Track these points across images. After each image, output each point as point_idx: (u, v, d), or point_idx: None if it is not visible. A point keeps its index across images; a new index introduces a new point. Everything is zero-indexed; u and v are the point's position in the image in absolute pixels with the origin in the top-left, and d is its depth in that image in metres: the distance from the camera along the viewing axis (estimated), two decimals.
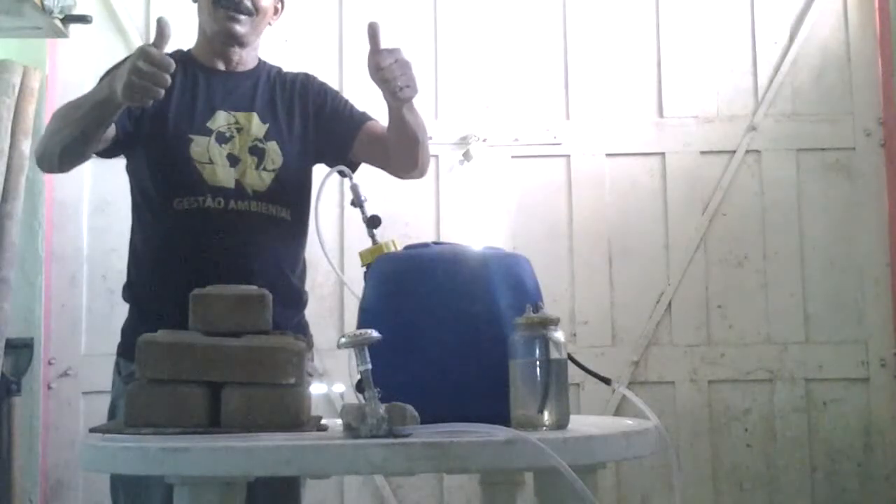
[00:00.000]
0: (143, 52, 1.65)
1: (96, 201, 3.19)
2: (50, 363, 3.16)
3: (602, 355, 3.21)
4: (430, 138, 3.27)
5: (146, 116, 1.92)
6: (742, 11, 3.40)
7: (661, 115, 3.36)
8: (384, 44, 1.87)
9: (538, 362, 1.31)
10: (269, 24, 2.09)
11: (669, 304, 3.28)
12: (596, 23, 3.38)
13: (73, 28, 3.11)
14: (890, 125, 3.31)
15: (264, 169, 1.95)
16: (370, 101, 3.35)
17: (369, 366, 1.25)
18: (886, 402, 3.25)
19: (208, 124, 1.95)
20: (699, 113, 3.35)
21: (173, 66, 1.66)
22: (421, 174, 2.10)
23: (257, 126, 1.98)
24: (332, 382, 2.99)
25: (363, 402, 1.25)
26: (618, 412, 3.11)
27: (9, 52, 3.14)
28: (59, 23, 2.99)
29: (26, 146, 3.08)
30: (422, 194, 3.27)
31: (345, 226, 3.11)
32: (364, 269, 1.59)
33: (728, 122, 3.35)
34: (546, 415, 1.30)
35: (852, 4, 3.39)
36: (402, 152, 2.01)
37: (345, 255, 3.08)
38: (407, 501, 3.19)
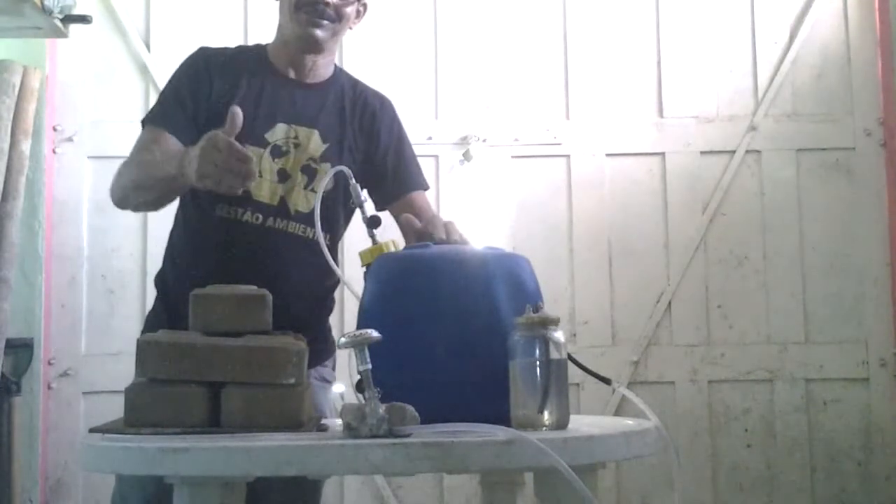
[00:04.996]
0: (225, 142, 1.58)
1: (96, 201, 3.19)
2: (50, 363, 3.16)
3: (602, 355, 3.21)
4: (430, 138, 3.29)
5: (209, 113, 1.86)
6: (742, 11, 3.40)
7: (661, 115, 3.36)
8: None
9: (538, 362, 1.31)
10: (350, 28, 2.02)
11: (669, 304, 3.28)
12: (596, 23, 3.38)
13: (73, 28, 3.11)
14: (890, 125, 3.31)
15: (312, 190, 1.89)
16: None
17: (369, 366, 1.25)
18: (886, 402, 3.25)
19: (266, 135, 1.88)
20: (699, 113, 3.35)
21: (252, 160, 1.59)
22: None
23: (316, 144, 1.91)
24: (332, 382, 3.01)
25: (363, 402, 1.25)
26: (618, 412, 3.11)
27: (9, 52, 3.14)
28: (59, 23, 2.98)
29: (26, 146, 3.08)
30: None
31: None
32: (364, 269, 1.59)
33: (728, 122, 3.35)
34: (546, 415, 1.30)
35: (852, 4, 3.39)
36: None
37: (345, 255, 3.08)
38: (407, 501, 3.19)
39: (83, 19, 3.07)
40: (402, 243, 1.66)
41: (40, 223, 3.17)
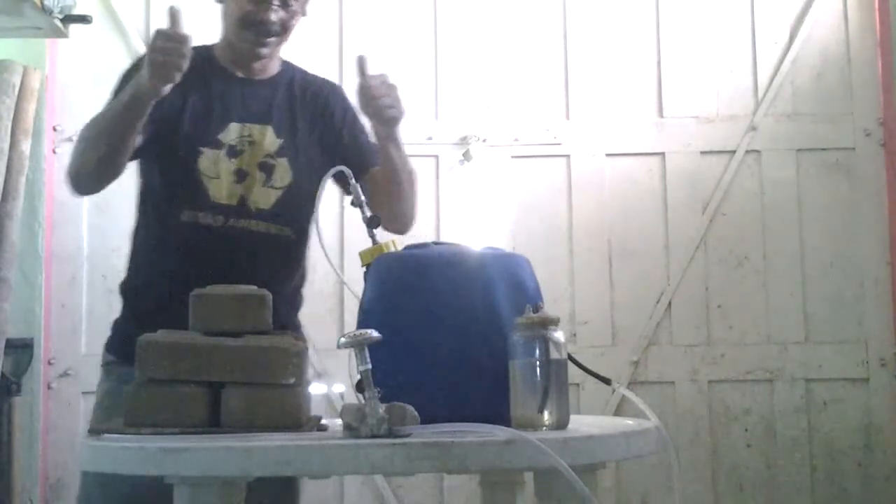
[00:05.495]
0: (158, 33, 1.66)
1: (96, 201, 3.18)
2: (50, 363, 3.16)
3: (602, 355, 3.21)
4: (430, 138, 3.29)
5: (161, 118, 1.85)
6: (742, 11, 3.40)
7: (661, 115, 3.36)
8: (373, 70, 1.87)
9: (538, 362, 1.31)
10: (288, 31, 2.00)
11: (669, 304, 3.28)
12: (596, 23, 3.38)
13: (73, 28, 3.11)
14: (890, 125, 3.31)
15: (272, 186, 1.89)
16: None
17: (369, 366, 1.25)
18: (886, 402, 3.25)
19: (220, 137, 1.88)
20: (699, 113, 3.35)
21: (190, 39, 1.66)
22: (402, 228, 1.99)
23: (271, 140, 1.91)
24: (332, 382, 3.01)
25: (363, 402, 1.25)
26: (618, 412, 3.11)
27: (9, 52, 3.14)
28: (59, 23, 2.98)
29: (26, 146, 3.08)
30: (422, 194, 3.25)
31: (345, 226, 3.11)
32: (364, 269, 1.59)
33: (728, 122, 3.35)
34: (546, 415, 1.30)
35: (852, 4, 3.39)
36: (384, 199, 1.93)
37: (345, 255, 3.08)
38: (407, 501, 3.19)
39: (83, 19, 3.07)
40: (401, 243, 1.66)
41: (40, 223, 3.17)
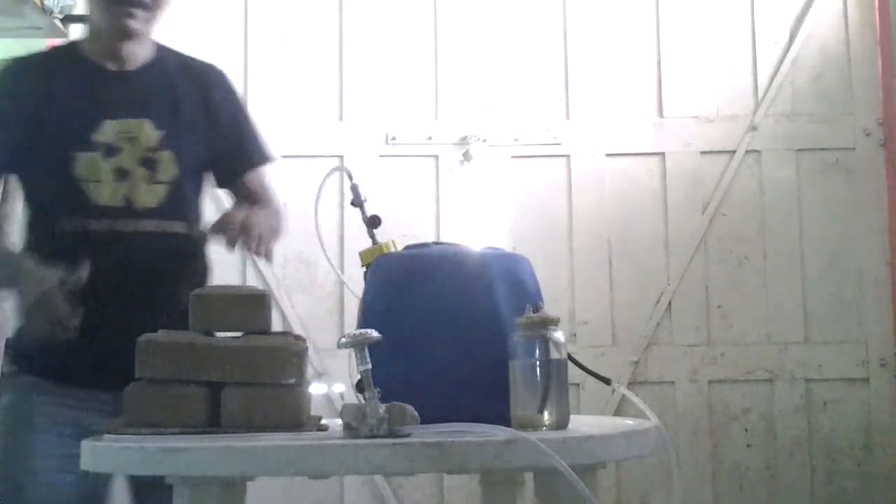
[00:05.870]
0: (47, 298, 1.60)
1: None
2: None
3: (602, 355, 3.21)
4: (430, 138, 3.29)
5: (27, 124, 1.77)
6: (742, 11, 3.40)
7: (661, 115, 3.36)
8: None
9: (538, 362, 1.31)
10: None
11: (669, 303, 3.28)
12: (596, 23, 3.38)
13: (73, 28, 3.11)
14: (890, 125, 3.31)
15: (157, 182, 1.79)
16: (369, 104, 3.37)
17: (369, 366, 1.25)
18: (886, 402, 3.25)
19: (95, 137, 1.76)
20: (699, 113, 3.35)
21: (76, 320, 1.61)
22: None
23: (149, 134, 1.79)
24: (332, 382, 3.01)
25: (363, 402, 1.25)
26: (618, 412, 3.11)
27: (9, 52, 3.14)
28: (59, 23, 2.98)
29: None
30: (422, 194, 3.28)
31: (345, 226, 3.10)
32: (364, 269, 1.59)
33: (728, 122, 3.35)
34: (546, 415, 1.30)
35: (852, 4, 3.39)
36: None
37: (345, 255, 3.08)
38: (407, 501, 3.19)
39: (83, 19, 3.06)
40: (401, 243, 1.66)
41: None
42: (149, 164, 1.79)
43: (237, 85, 3.41)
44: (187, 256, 1.86)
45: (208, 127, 1.89)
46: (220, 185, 1.97)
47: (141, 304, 1.75)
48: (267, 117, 3.27)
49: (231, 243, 1.68)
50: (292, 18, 3.34)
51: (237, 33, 3.31)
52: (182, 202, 1.82)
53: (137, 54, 1.85)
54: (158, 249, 1.80)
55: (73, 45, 1.91)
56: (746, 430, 3.25)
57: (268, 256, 1.77)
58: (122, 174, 1.77)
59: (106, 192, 1.76)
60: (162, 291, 1.78)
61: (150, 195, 1.78)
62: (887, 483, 3.23)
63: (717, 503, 3.22)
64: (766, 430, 3.25)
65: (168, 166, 1.80)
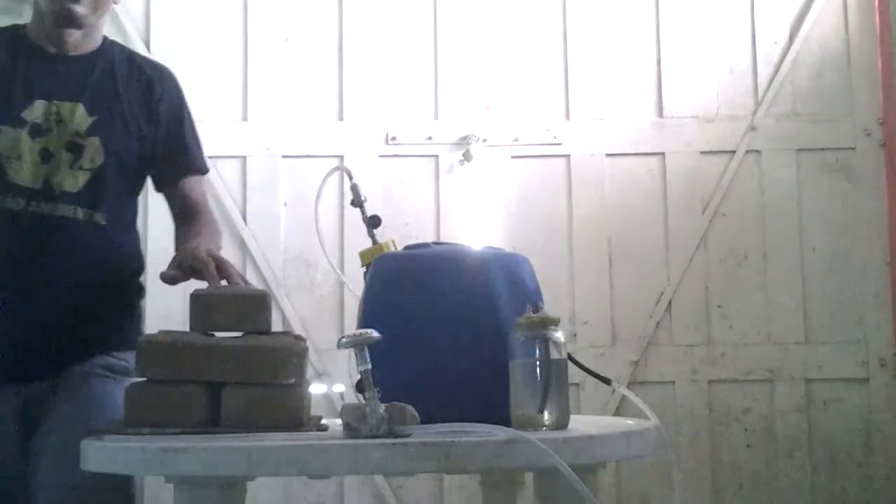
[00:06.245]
0: None
1: None
2: None
3: (602, 355, 3.21)
4: (430, 138, 3.29)
5: None
6: (742, 11, 3.40)
7: (661, 115, 3.36)
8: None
9: (538, 362, 1.31)
10: (115, 2, 1.87)
11: (669, 304, 3.28)
12: (596, 23, 3.38)
13: None
14: (890, 125, 3.31)
15: (80, 168, 1.75)
16: (369, 104, 3.36)
17: (369, 366, 1.25)
18: (886, 402, 3.25)
19: (23, 114, 1.74)
20: (699, 113, 3.35)
21: None
22: None
23: (81, 118, 1.76)
24: (332, 382, 3.01)
25: (363, 402, 1.25)
26: (618, 412, 3.11)
27: None
28: None
29: None
30: (422, 194, 3.27)
31: (345, 226, 3.10)
32: (364, 269, 1.59)
33: (728, 122, 3.35)
34: (546, 415, 1.30)
35: (852, 4, 3.39)
36: (179, 217, 1.89)
37: (345, 255, 3.08)
38: (407, 501, 3.19)
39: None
40: (401, 243, 1.66)
41: None
42: (75, 148, 1.75)
43: (237, 85, 3.43)
44: (104, 248, 1.79)
45: (147, 123, 1.85)
46: (158, 188, 1.94)
47: (47, 292, 1.71)
48: (267, 117, 3.28)
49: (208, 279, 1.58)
50: (292, 18, 3.34)
51: (237, 33, 3.30)
52: (104, 192, 1.77)
53: (81, 43, 1.83)
54: (72, 237, 1.74)
55: (16, 27, 1.88)
56: (746, 430, 3.25)
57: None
58: (45, 156, 1.73)
59: (26, 172, 1.72)
60: (70, 281, 1.73)
61: (71, 180, 1.74)
62: (887, 483, 3.23)
63: (716, 503, 3.22)
64: (766, 430, 3.25)
65: (94, 154, 1.76)
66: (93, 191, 1.75)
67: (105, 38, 1.89)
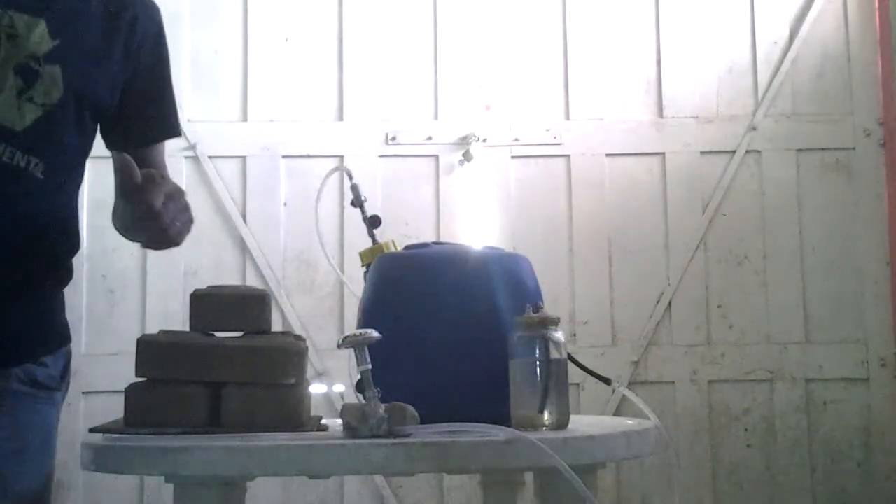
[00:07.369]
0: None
1: (95, 201, 3.18)
2: None
3: (602, 355, 3.21)
4: (430, 138, 3.29)
5: None
6: (742, 11, 3.40)
7: (660, 115, 3.36)
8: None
9: (538, 362, 1.31)
10: None
11: (669, 304, 3.28)
12: (596, 23, 3.38)
13: None
14: (890, 125, 3.31)
15: (29, 100, 1.39)
16: (369, 104, 3.36)
17: (369, 366, 1.25)
18: (886, 402, 3.25)
19: None
20: (699, 113, 3.35)
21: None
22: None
23: (40, 38, 1.40)
24: (332, 382, 3.01)
25: (363, 402, 1.25)
26: (618, 412, 3.11)
27: None
28: None
29: None
30: (422, 194, 3.27)
31: (345, 226, 3.11)
32: (364, 269, 1.59)
33: (728, 122, 3.35)
34: (546, 415, 1.30)
35: (852, 4, 3.39)
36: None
37: (345, 255, 3.08)
38: (407, 501, 3.19)
39: None
40: (401, 243, 1.66)
41: None
42: (27, 74, 1.39)
43: (237, 85, 3.42)
44: (35, 208, 1.44)
45: (124, 59, 1.52)
46: (114, 145, 1.58)
47: None
48: (267, 117, 3.28)
49: (147, 203, 1.33)
50: (292, 18, 3.34)
51: (237, 33, 3.30)
52: (52, 138, 1.43)
53: None
54: (7, 185, 1.40)
55: None
56: (746, 430, 3.25)
57: (175, 241, 1.46)
58: None
59: None
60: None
61: (14, 113, 1.38)
62: (887, 483, 3.23)
63: (717, 503, 3.22)
64: (766, 430, 3.25)
65: (51, 87, 1.41)
66: (38, 133, 1.40)
67: None
